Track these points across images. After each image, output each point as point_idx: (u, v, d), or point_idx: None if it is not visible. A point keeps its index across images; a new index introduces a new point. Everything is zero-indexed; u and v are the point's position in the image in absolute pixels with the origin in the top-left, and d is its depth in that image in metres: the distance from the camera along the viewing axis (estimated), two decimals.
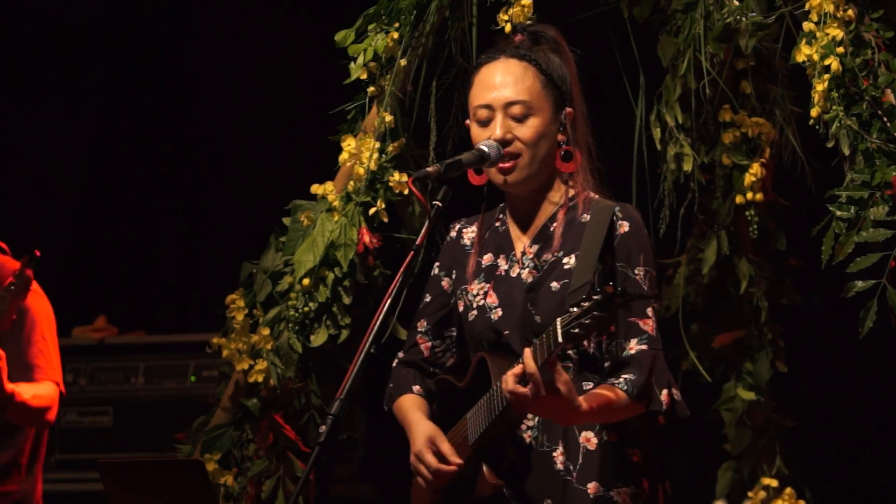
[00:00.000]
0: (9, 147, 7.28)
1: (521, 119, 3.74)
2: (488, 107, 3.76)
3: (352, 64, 4.74)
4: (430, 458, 3.71)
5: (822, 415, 6.08)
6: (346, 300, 4.72)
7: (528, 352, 3.46)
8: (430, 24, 4.71)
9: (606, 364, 3.66)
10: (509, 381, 3.48)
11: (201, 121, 7.28)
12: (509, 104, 3.75)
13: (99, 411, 6.57)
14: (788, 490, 5.00)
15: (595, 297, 3.33)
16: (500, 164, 3.74)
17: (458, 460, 3.69)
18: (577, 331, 3.34)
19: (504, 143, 3.73)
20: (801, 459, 5.08)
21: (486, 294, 3.79)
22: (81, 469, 6.46)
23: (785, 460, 5.05)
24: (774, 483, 5.00)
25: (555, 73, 3.78)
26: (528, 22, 4.30)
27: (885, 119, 4.08)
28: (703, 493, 5.16)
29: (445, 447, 3.71)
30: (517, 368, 3.48)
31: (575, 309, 3.35)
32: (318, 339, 4.72)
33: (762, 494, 5.01)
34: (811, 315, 5.71)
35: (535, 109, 3.75)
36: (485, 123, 3.77)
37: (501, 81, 3.76)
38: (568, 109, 3.78)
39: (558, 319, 3.38)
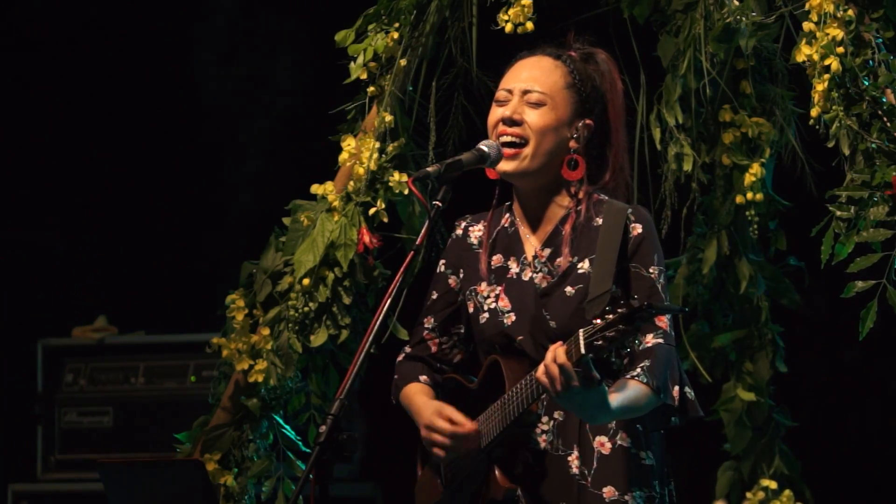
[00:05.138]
0: (9, 146, 7.28)
1: (534, 106, 3.75)
2: (508, 90, 3.80)
3: (352, 64, 4.74)
4: (443, 424, 3.69)
5: (822, 415, 6.08)
6: (346, 300, 4.72)
7: (560, 349, 3.42)
8: (430, 24, 4.71)
9: (625, 361, 3.66)
10: (560, 354, 3.42)
11: (201, 120, 7.27)
12: (527, 91, 3.77)
13: (99, 411, 6.55)
14: (787, 492, 4.99)
15: (620, 311, 3.32)
16: (505, 151, 3.75)
17: (472, 425, 3.67)
18: (600, 342, 3.34)
19: (511, 122, 3.75)
20: (802, 459, 5.08)
21: (497, 297, 3.78)
22: (81, 469, 6.45)
23: (784, 460, 5.04)
24: (773, 485, 4.99)
25: (584, 83, 3.79)
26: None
27: (885, 119, 4.08)
28: (703, 493, 5.15)
29: (456, 415, 3.68)
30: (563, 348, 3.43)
31: (599, 321, 3.35)
32: (318, 339, 4.71)
33: (760, 495, 5.00)
34: (811, 315, 5.70)
35: (551, 103, 3.76)
36: (501, 103, 3.80)
37: (528, 71, 3.80)
38: (587, 120, 3.78)
39: (581, 330, 3.38)
